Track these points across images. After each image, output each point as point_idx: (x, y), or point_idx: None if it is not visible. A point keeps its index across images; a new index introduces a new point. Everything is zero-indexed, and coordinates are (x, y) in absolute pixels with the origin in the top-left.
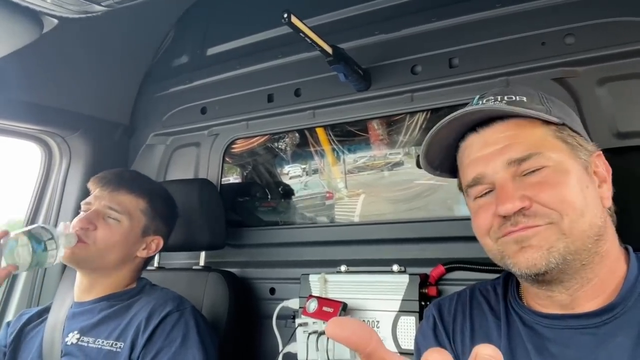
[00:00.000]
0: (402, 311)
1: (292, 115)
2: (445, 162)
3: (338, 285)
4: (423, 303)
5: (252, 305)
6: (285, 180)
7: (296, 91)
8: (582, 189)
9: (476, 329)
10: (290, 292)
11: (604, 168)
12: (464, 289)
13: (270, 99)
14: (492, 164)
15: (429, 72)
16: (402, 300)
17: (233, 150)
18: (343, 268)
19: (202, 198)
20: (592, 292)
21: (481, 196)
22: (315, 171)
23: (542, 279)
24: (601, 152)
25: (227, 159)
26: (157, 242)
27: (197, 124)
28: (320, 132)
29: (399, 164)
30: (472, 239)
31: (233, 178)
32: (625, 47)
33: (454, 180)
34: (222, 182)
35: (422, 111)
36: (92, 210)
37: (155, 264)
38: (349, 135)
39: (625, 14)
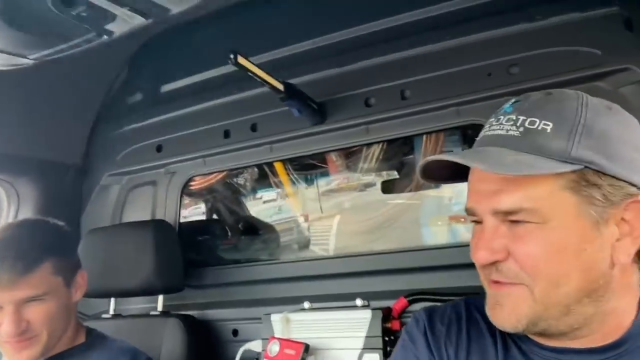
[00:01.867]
0: (366, 348)
1: (250, 150)
2: (457, 172)
3: (301, 324)
4: (387, 338)
5: (214, 350)
6: (259, 205)
7: (252, 126)
8: (572, 255)
9: (472, 345)
10: (254, 332)
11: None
12: (456, 301)
13: (226, 134)
14: (482, 205)
15: (383, 105)
16: (366, 337)
17: (192, 188)
18: (306, 305)
19: (157, 240)
20: (594, 327)
21: (476, 222)
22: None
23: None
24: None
25: (185, 197)
26: (81, 276)
27: (153, 163)
28: (278, 166)
29: (370, 184)
30: (437, 268)
31: (196, 215)
32: (569, 75)
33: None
34: (181, 221)
35: (378, 142)
36: (10, 313)
37: (111, 311)
38: (308, 167)
39: (565, 43)
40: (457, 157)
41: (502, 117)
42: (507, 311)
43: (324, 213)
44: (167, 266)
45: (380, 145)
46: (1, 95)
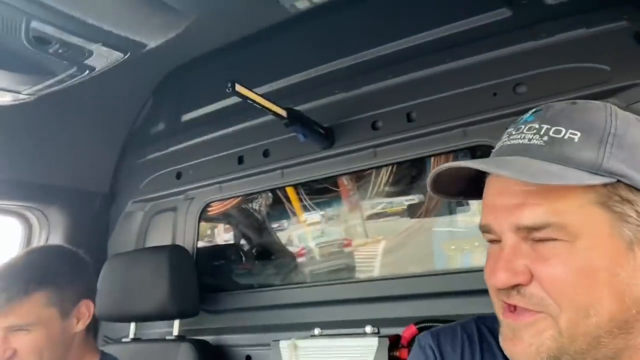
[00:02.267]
0: None
1: (262, 175)
2: (471, 188)
3: (308, 351)
4: None
5: None
6: (303, 228)
7: (265, 152)
8: (605, 280)
9: None
10: (267, 359)
11: None
12: (466, 320)
13: (240, 160)
14: (500, 221)
15: (389, 127)
16: None
17: (210, 214)
18: (317, 331)
19: (172, 265)
20: None
21: (492, 240)
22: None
23: None
24: None
25: (207, 222)
26: (85, 305)
27: (173, 189)
28: (290, 190)
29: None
30: (448, 294)
31: (222, 240)
32: (576, 92)
33: None
34: (199, 246)
35: (386, 166)
36: None
37: (131, 335)
38: (320, 192)
39: (573, 60)
40: (476, 163)
41: (522, 126)
42: (526, 344)
43: (370, 238)
44: (181, 291)
45: (390, 169)
46: (29, 127)
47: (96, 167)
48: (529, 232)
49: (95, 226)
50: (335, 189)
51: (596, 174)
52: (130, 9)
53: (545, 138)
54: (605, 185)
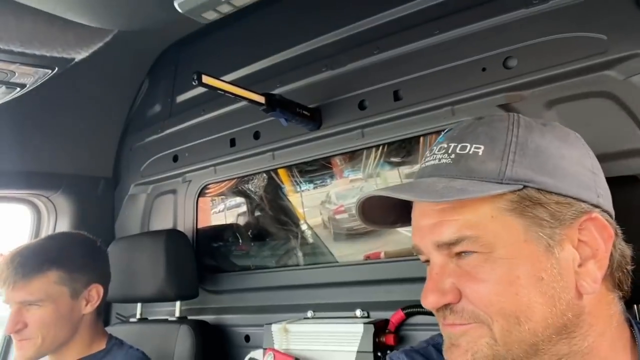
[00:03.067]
0: None
1: (254, 158)
2: (405, 215)
3: (298, 335)
4: (379, 354)
5: (226, 355)
6: (345, 184)
7: (255, 134)
8: (528, 284)
9: None
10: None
11: (598, 235)
12: (436, 340)
13: (232, 143)
14: (425, 241)
15: (376, 107)
16: (357, 352)
17: (208, 195)
18: (309, 314)
19: (169, 249)
20: None
21: (426, 261)
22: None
23: None
24: (597, 215)
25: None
26: (95, 290)
27: (171, 172)
28: (282, 172)
29: None
30: None
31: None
32: (572, 65)
33: None
34: (199, 227)
35: (375, 146)
36: (12, 310)
37: (138, 315)
38: (313, 171)
39: (566, 29)
40: (383, 191)
41: (435, 147)
42: (463, 350)
43: None
44: (179, 275)
45: (381, 149)
46: (29, 118)
47: (98, 153)
48: (449, 248)
49: (101, 210)
50: (329, 167)
51: (501, 183)
52: (44, 28)
53: (453, 156)
54: (513, 192)
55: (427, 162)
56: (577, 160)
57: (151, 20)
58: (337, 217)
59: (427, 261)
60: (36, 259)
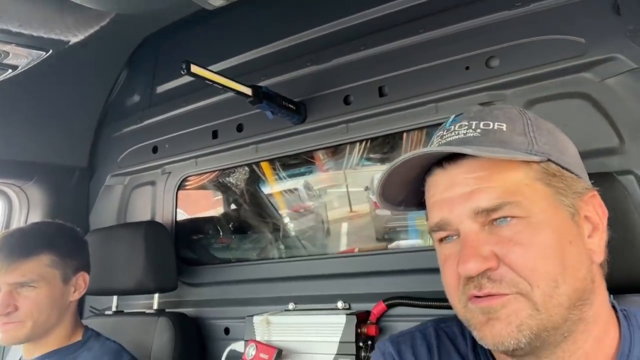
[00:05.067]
0: (340, 354)
1: (236, 150)
2: (411, 196)
3: (280, 327)
4: (361, 344)
5: (206, 348)
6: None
7: (238, 126)
8: (562, 248)
9: None
10: (244, 332)
11: (599, 212)
12: (424, 325)
13: (215, 135)
14: (457, 211)
15: (361, 102)
16: (340, 342)
17: (187, 188)
18: (291, 306)
19: (148, 242)
20: (579, 340)
21: (446, 239)
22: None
23: (512, 354)
24: (596, 193)
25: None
26: (82, 278)
27: (150, 163)
28: (265, 165)
29: None
30: (419, 271)
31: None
32: (551, 66)
33: None
34: (178, 220)
35: (359, 141)
36: (2, 292)
37: (114, 308)
38: (296, 166)
39: (547, 32)
40: (435, 148)
41: (452, 126)
42: (505, 323)
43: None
44: (158, 267)
45: (364, 144)
46: (3, 105)
47: (73, 142)
48: (487, 215)
49: (76, 201)
50: (311, 161)
51: (532, 153)
52: (41, 9)
53: (479, 130)
54: (538, 163)
55: (447, 138)
56: (571, 144)
57: (151, 2)
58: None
59: (444, 239)
60: (29, 241)
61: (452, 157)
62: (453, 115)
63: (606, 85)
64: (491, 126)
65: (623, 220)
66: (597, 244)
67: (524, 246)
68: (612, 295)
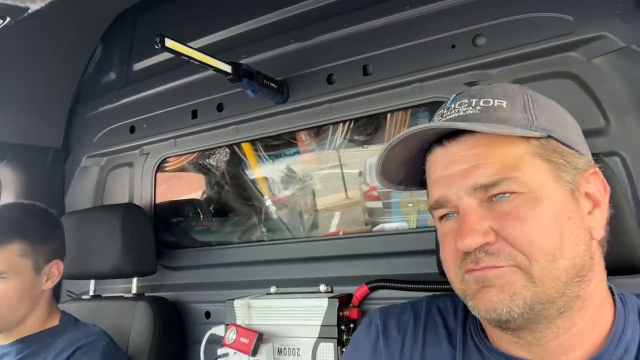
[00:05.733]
0: (322, 337)
1: (217, 131)
2: (411, 175)
3: (261, 310)
4: (343, 327)
5: (186, 332)
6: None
7: (218, 106)
8: (561, 223)
9: (427, 354)
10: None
11: (600, 188)
12: (419, 300)
13: (194, 115)
14: (456, 187)
15: (345, 81)
16: (321, 326)
17: (167, 169)
18: (273, 289)
19: (126, 225)
20: (568, 345)
21: (446, 217)
22: None
23: (505, 326)
24: (597, 169)
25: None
26: (56, 265)
27: (128, 144)
28: (246, 146)
29: None
30: (402, 253)
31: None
32: (539, 45)
33: None
34: (157, 202)
35: (342, 122)
36: None
37: (91, 292)
38: (278, 147)
39: (535, 9)
40: (425, 127)
41: (452, 105)
42: (499, 289)
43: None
44: (137, 251)
45: (347, 125)
46: None
47: (46, 121)
48: (486, 191)
49: (50, 182)
50: (294, 143)
51: (531, 129)
52: None
53: (478, 108)
54: (538, 139)
55: (447, 116)
56: (572, 119)
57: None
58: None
59: (444, 217)
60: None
61: (452, 135)
62: (454, 95)
63: (593, 65)
64: (491, 103)
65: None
66: (597, 220)
67: (522, 220)
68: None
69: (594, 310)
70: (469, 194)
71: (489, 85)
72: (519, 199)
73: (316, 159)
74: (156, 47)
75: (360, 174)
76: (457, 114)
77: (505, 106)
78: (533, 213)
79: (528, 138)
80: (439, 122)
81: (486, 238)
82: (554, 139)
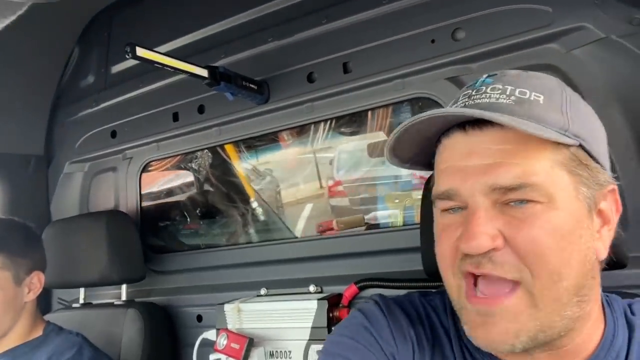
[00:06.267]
0: (313, 339)
1: (199, 133)
2: (420, 155)
3: (251, 314)
4: (333, 329)
5: (178, 336)
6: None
7: (199, 108)
8: (572, 241)
9: (435, 347)
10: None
11: (613, 207)
12: (410, 295)
13: (175, 117)
14: (471, 183)
15: (325, 80)
16: (312, 328)
17: (151, 173)
18: (263, 291)
19: (112, 231)
20: (561, 356)
21: (450, 210)
22: None
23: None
24: (616, 187)
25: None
26: (37, 277)
27: (110, 149)
28: (229, 148)
29: None
30: (391, 252)
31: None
32: (518, 37)
33: None
34: (143, 206)
35: (324, 120)
36: None
37: (81, 300)
38: (261, 146)
39: (514, 1)
40: (454, 112)
41: (483, 87)
42: (503, 329)
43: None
44: (124, 257)
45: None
46: None
47: (26, 128)
48: (503, 194)
49: (34, 191)
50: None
51: (565, 135)
52: None
53: (513, 98)
54: (569, 148)
55: (476, 99)
56: (603, 131)
57: None
58: None
59: (449, 209)
60: None
61: (477, 122)
62: (485, 75)
63: (573, 56)
64: (527, 95)
65: None
66: (605, 240)
67: (535, 230)
68: None
69: (591, 325)
70: (484, 193)
71: (527, 72)
72: (535, 208)
73: (300, 158)
74: (127, 57)
75: (331, 162)
76: (488, 100)
77: (542, 102)
78: (548, 226)
79: (558, 144)
80: (465, 106)
81: (494, 243)
82: (584, 149)
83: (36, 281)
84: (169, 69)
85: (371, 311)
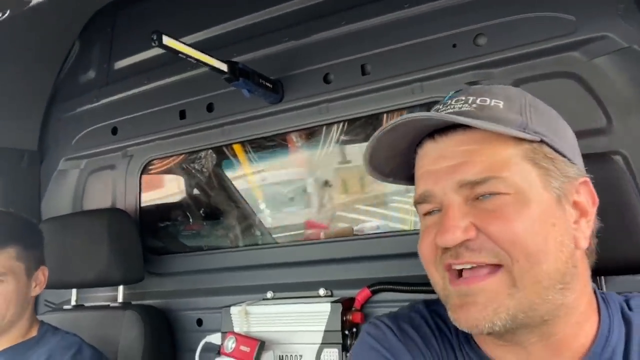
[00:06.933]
0: (325, 343)
1: (206, 132)
2: (401, 169)
3: (260, 317)
4: (346, 332)
5: (178, 340)
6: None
7: (208, 106)
8: (545, 227)
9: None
10: (219, 323)
11: (589, 199)
12: (415, 306)
13: (182, 115)
14: (442, 183)
15: (342, 81)
16: (325, 331)
17: (153, 172)
18: (269, 295)
19: (111, 231)
20: (554, 348)
21: (430, 213)
22: None
23: (488, 334)
24: (588, 179)
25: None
26: (42, 272)
27: (110, 146)
28: (237, 148)
29: None
30: (402, 256)
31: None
32: (540, 44)
33: None
34: (143, 206)
35: (339, 122)
36: None
37: (72, 302)
38: (268, 147)
39: (537, 9)
40: (416, 116)
41: (449, 101)
42: (481, 306)
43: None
44: (123, 257)
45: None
46: None
47: (20, 122)
48: (472, 189)
49: (26, 187)
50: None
51: (525, 132)
52: None
53: (475, 105)
54: (531, 143)
55: (443, 111)
56: (569, 130)
57: None
58: None
59: (428, 213)
60: None
61: (444, 130)
62: (452, 92)
63: (595, 65)
64: (488, 102)
65: (617, 201)
66: (583, 230)
67: (505, 220)
68: (603, 277)
69: (579, 316)
70: (454, 191)
71: (490, 85)
72: (504, 199)
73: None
74: (153, 44)
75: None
76: (452, 110)
77: (502, 107)
78: (517, 215)
79: (520, 140)
80: (453, 105)
81: (467, 234)
82: (547, 144)
83: (41, 276)
84: (192, 59)
85: (383, 335)
